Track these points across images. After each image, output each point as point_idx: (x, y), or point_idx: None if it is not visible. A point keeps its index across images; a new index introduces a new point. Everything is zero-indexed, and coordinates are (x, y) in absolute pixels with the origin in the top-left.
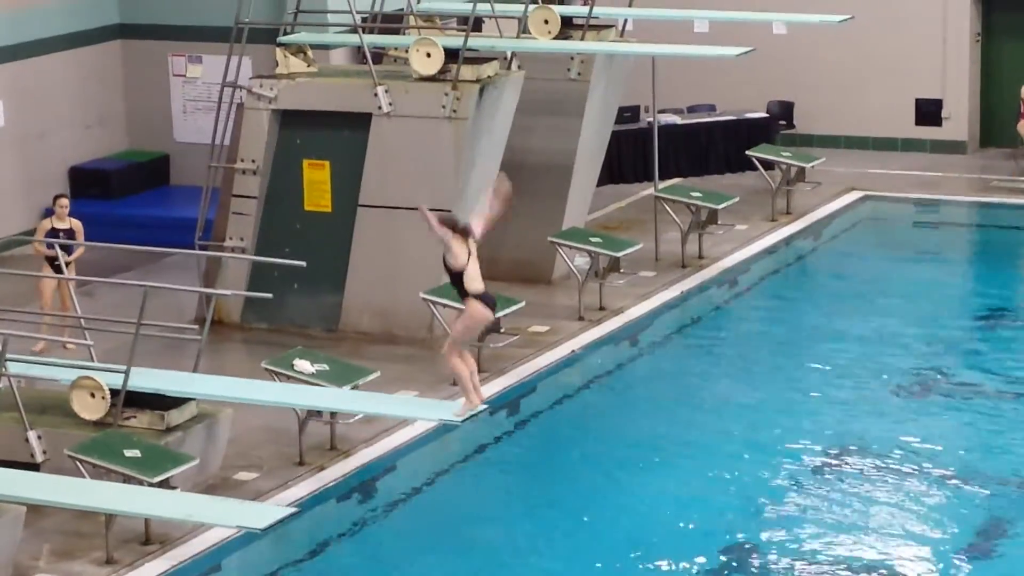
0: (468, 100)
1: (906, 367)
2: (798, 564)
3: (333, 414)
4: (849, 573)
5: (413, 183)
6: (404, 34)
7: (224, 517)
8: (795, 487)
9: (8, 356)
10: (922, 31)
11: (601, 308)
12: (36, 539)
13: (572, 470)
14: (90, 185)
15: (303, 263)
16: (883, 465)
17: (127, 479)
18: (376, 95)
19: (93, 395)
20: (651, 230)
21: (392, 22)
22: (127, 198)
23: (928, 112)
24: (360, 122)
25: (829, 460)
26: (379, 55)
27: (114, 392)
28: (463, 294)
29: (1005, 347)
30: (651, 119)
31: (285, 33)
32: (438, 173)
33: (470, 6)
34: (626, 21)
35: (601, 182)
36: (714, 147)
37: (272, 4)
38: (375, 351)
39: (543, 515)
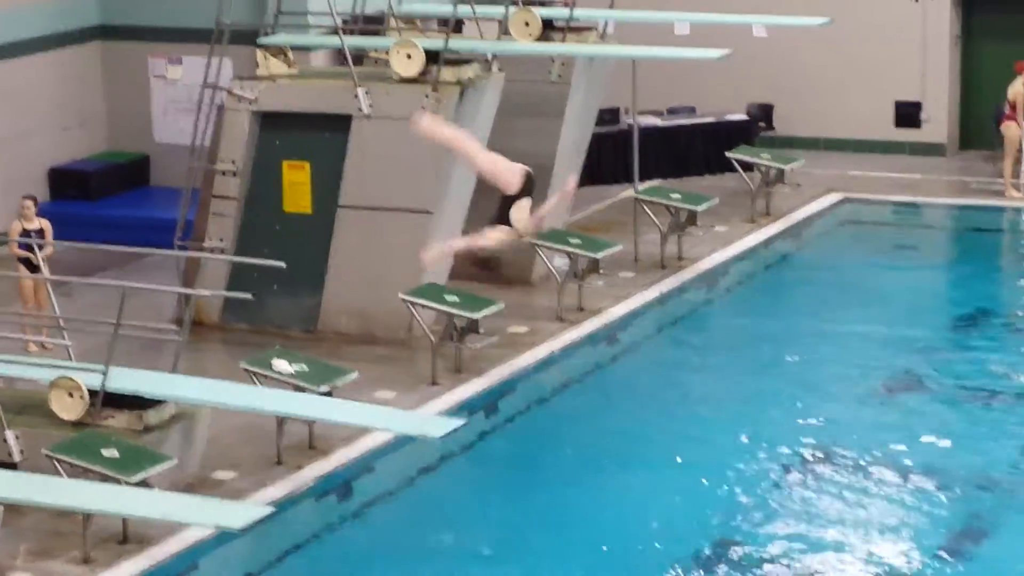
0: (449, 102)
1: (886, 368)
2: (778, 561)
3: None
4: (828, 570)
5: (393, 184)
6: (385, 36)
7: (202, 516)
8: (774, 486)
9: None
10: (902, 34)
11: (580, 309)
12: (14, 538)
13: (551, 470)
14: (70, 186)
15: (282, 264)
16: (862, 464)
17: (105, 479)
18: (356, 96)
19: (71, 395)
20: (631, 231)
21: (373, 24)
22: (107, 199)
23: (907, 114)
24: (340, 123)
25: (809, 460)
26: (360, 57)
27: (92, 392)
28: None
29: (984, 349)
30: (631, 121)
31: (265, 35)
32: (418, 174)
33: (451, 8)
34: (607, 23)
35: (581, 184)
36: (694, 149)
37: (252, 6)
38: (354, 352)
39: (522, 515)
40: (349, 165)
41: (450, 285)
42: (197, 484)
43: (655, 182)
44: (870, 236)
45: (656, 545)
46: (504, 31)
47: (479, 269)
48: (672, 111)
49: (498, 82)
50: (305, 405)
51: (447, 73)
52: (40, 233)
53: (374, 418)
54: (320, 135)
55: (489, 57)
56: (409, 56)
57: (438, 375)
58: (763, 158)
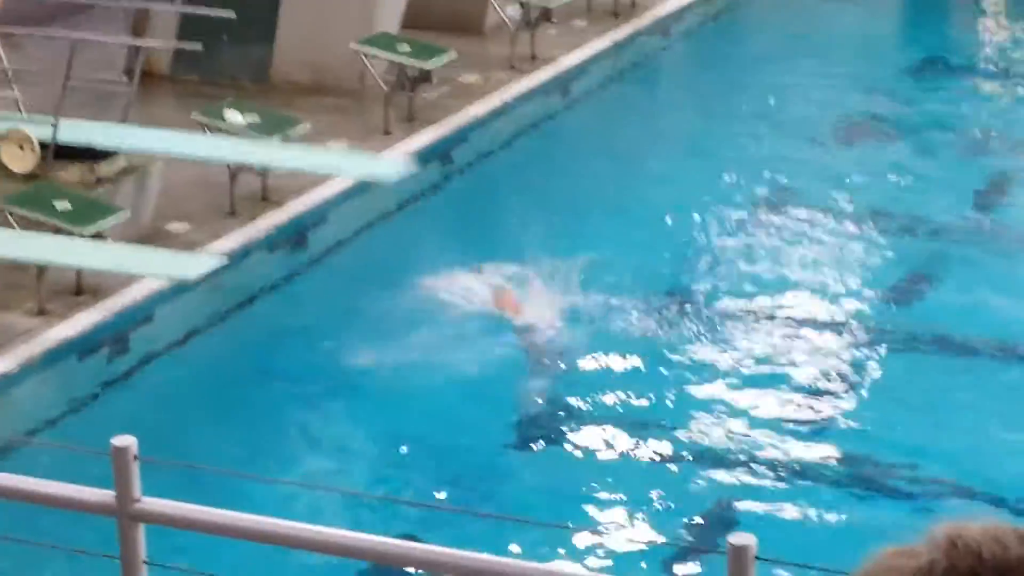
0: None
1: (839, 112)
2: (734, 306)
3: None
4: (778, 311)
5: None
6: None
7: (155, 267)
8: (729, 231)
9: None
10: None
11: (533, 58)
12: None
13: (505, 218)
14: None
15: (232, 13)
16: (816, 208)
17: (58, 231)
18: None
19: (22, 147)
20: None
21: None
22: None
23: None
24: None
25: (763, 203)
26: None
27: (43, 144)
28: None
29: (934, 92)
30: None
31: None
32: None
33: None
34: None
35: None
36: None
37: None
38: (306, 102)
39: (475, 261)
40: None
41: (402, 33)
42: (150, 236)
43: None
44: None
45: (611, 295)
46: None
47: None
48: None
49: None
50: (259, 152)
51: None
52: None
53: (327, 163)
54: None
55: None
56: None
57: (391, 125)
58: None
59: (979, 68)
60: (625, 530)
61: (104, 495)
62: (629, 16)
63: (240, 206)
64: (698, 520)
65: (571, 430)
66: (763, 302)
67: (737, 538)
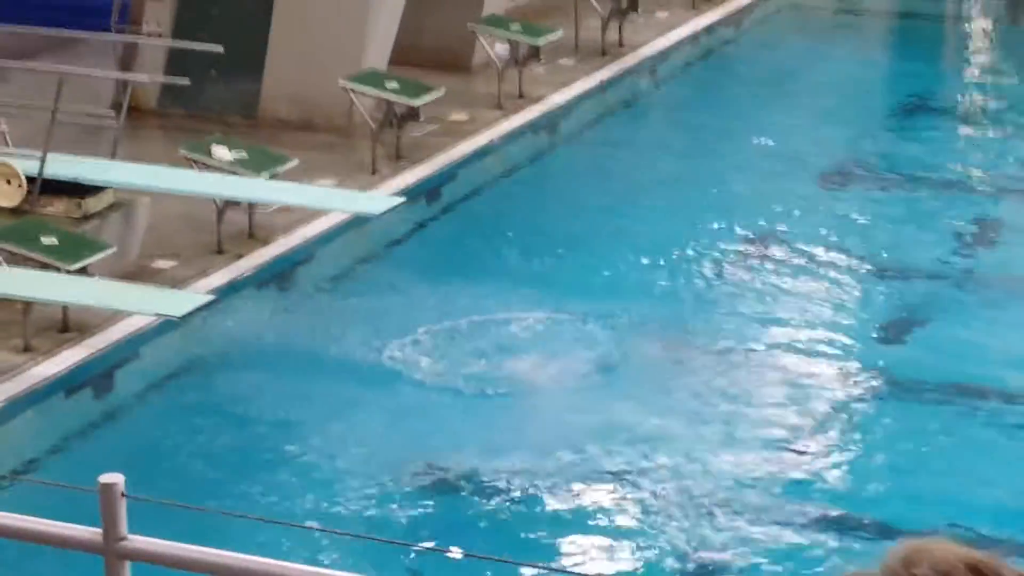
0: None
1: (825, 158)
2: (714, 352)
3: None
4: (766, 354)
5: None
6: None
7: (142, 304)
8: (711, 273)
9: None
10: None
11: (520, 96)
12: None
13: (491, 258)
14: None
15: (220, 48)
16: (798, 251)
17: (44, 266)
18: None
19: (9, 182)
20: (571, 17)
21: None
22: None
23: None
24: None
25: (749, 248)
26: None
27: (30, 179)
28: None
29: (923, 138)
30: None
31: None
32: None
33: None
34: None
35: None
36: None
37: None
38: (294, 139)
39: (462, 304)
40: None
41: (390, 71)
42: (137, 272)
43: None
44: (811, 22)
45: (596, 333)
46: None
47: None
48: None
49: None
50: (246, 188)
51: None
52: None
53: (314, 198)
54: None
55: None
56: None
57: (378, 162)
58: None
59: (966, 110)
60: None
61: (90, 532)
62: (617, 55)
63: (227, 243)
64: (682, 566)
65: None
66: (748, 344)
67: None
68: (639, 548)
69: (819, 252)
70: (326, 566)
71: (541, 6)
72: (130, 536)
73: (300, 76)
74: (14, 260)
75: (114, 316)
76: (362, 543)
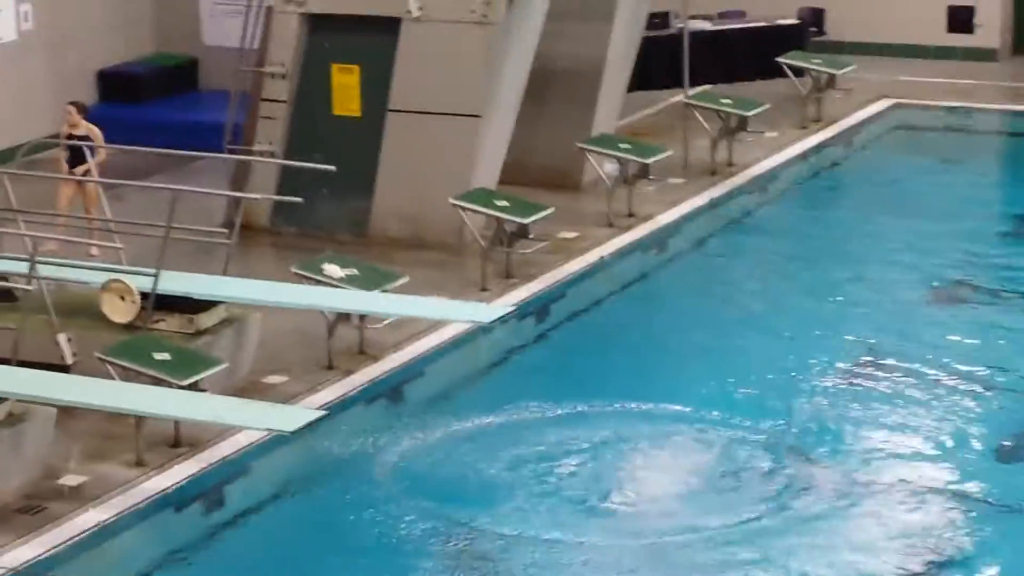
0: (498, 4)
1: (935, 275)
2: (823, 471)
3: (362, 318)
4: (882, 476)
5: (443, 88)
6: None
7: (253, 420)
8: (827, 392)
9: (38, 259)
10: None
11: (630, 215)
12: (67, 440)
13: (601, 377)
14: (118, 89)
15: (332, 167)
16: (912, 369)
17: (157, 382)
18: None
19: (123, 298)
20: (680, 137)
21: None
22: (155, 102)
23: (960, 19)
24: (390, 26)
25: (861, 366)
26: None
27: (144, 295)
28: None
29: None
30: (681, 25)
31: None
32: (468, 78)
33: None
34: None
35: (630, 88)
36: (744, 54)
37: None
38: (404, 256)
39: (571, 421)
40: (399, 68)
41: (500, 189)
42: (248, 388)
43: (705, 87)
44: (921, 142)
45: (705, 450)
46: None
47: None
48: (723, 15)
49: None
50: (357, 301)
51: None
52: (85, 139)
53: (425, 309)
54: (369, 37)
55: None
56: None
57: (488, 280)
58: (814, 63)
59: None
60: None
61: None
62: (726, 174)
63: (337, 359)
64: None
65: None
66: (858, 464)
67: None
68: None
69: (931, 368)
70: None
71: (651, 125)
72: None
73: (410, 194)
74: (127, 375)
75: (225, 431)
76: None
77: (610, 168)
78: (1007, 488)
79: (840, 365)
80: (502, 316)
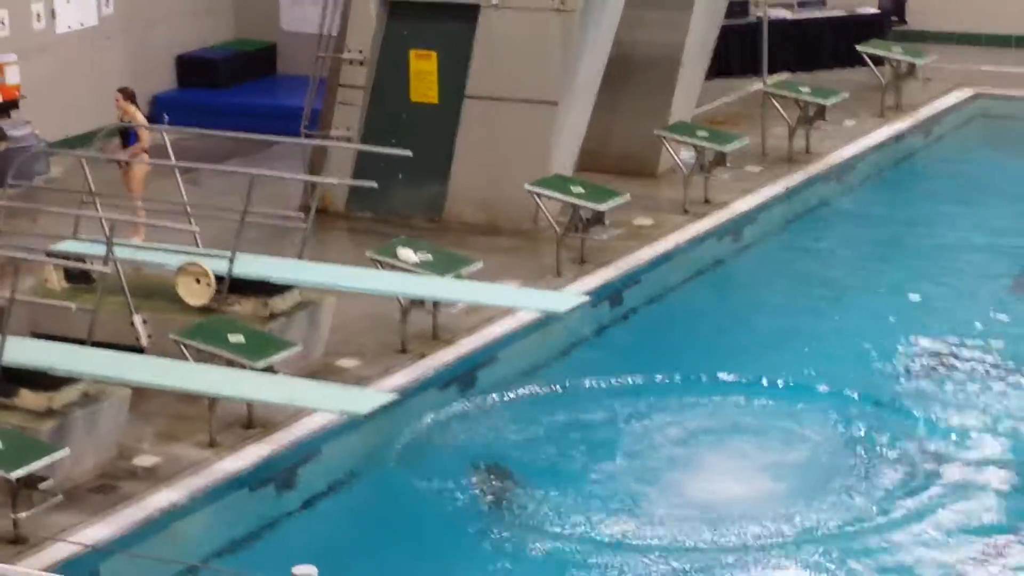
0: None
1: (1018, 264)
2: (909, 462)
3: (436, 303)
4: (960, 461)
5: (520, 75)
6: None
7: (326, 402)
8: (908, 384)
9: (115, 241)
10: None
11: (706, 202)
12: (140, 422)
13: (675, 363)
14: (197, 74)
15: (409, 152)
16: (996, 364)
17: (231, 364)
18: None
19: (198, 281)
20: (758, 125)
21: None
22: (234, 87)
23: None
24: (468, 13)
25: (941, 358)
26: None
27: (219, 278)
28: None
29: None
30: (760, 13)
31: None
32: (546, 65)
33: None
34: None
35: (709, 76)
36: (824, 42)
37: None
38: (479, 242)
39: (645, 408)
40: (476, 55)
41: (576, 176)
42: (321, 371)
43: (784, 75)
44: (1002, 131)
45: (782, 440)
46: None
47: None
48: (802, 3)
49: None
50: (431, 287)
51: None
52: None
53: (499, 296)
54: (448, 24)
55: None
56: None
57: (562, 266)
58: (894, 52)
59: None
60: None
61: None
62: (803, 162)
63: (411, 343)
64: None
65: None
66: (944, 452)
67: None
68: None
69: (1011, 359)
70: None
71: (728, 113)
72: None
73: (486, 180)
74: (201, 357)
75: (298, 413)
76: None
77: (687, 155)
78: None
79: (921, 354)
80: (577, 306)
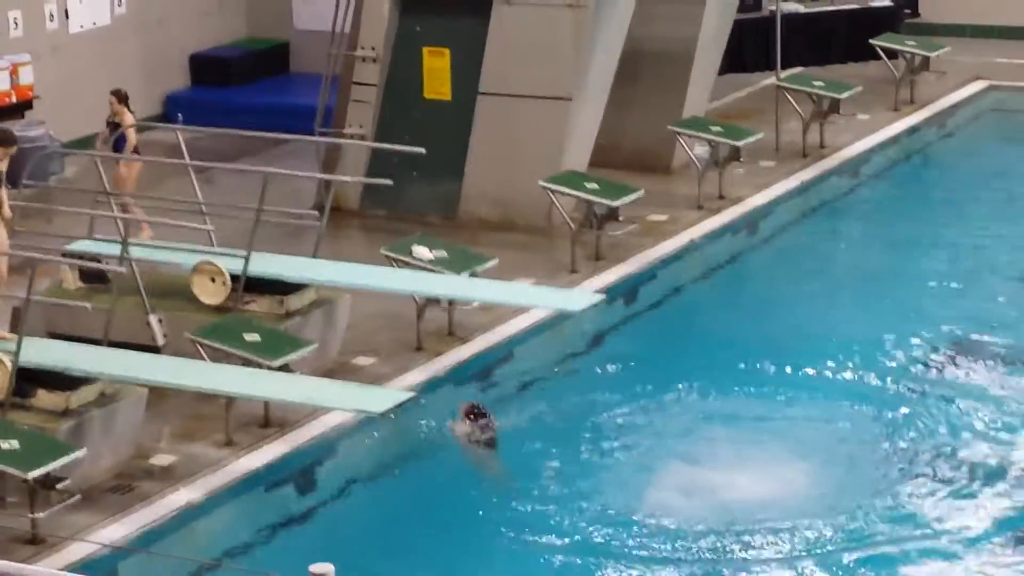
0: None
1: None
2: (930, 456)
3: (451, 301)
4: (976, 455)
5: (533, 71)
6: None
7: (343, 401)
8: (919, 376)
9: (130, 241)
10: None
11: (720, 197)
12: (157, 421)
13: (689, 359)
14: (210, 73)
15: (422, 150)
16: (1011, 352)
17: (247, 363)
18: None
19: (214, 280)
20: (772, 119)
21: None
22: (247, 86)
23: None
24: (481, 9)
25: (957, 349)
26: None
27: (234, 277)
28: None
29: None
30: (773, 7)
31: None
32: (559, 61)
33: None
34: None
35: (722, 71)
36: (837, 36)
37: None
38: (493, 238)
39: (661, 404)
40: (489, 52)
41: (590, 172)
42: (337, 369)
43: (797, 70)
44: (1016, 124)
45: (791, 431)
46: None
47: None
48: None
49: None
50: (446, 285)
51: None
52: (115, 126)
53: (514, 295)
54: (461, 21)
55: None
56: None
57: (577, 262)
58: (908, 45)
59: None
60: None
61: None
62: (818, 156)
63: (427, 341)
64: None
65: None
66: (958, 448)
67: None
68: None
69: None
70: None
71: (742, 108)
72: None
73: (500, 177)
74: (218, 356)
75: (314, 412)
76: None
77: (701, 150)
78: None
79: (936, 347)
80: (592, 304)
